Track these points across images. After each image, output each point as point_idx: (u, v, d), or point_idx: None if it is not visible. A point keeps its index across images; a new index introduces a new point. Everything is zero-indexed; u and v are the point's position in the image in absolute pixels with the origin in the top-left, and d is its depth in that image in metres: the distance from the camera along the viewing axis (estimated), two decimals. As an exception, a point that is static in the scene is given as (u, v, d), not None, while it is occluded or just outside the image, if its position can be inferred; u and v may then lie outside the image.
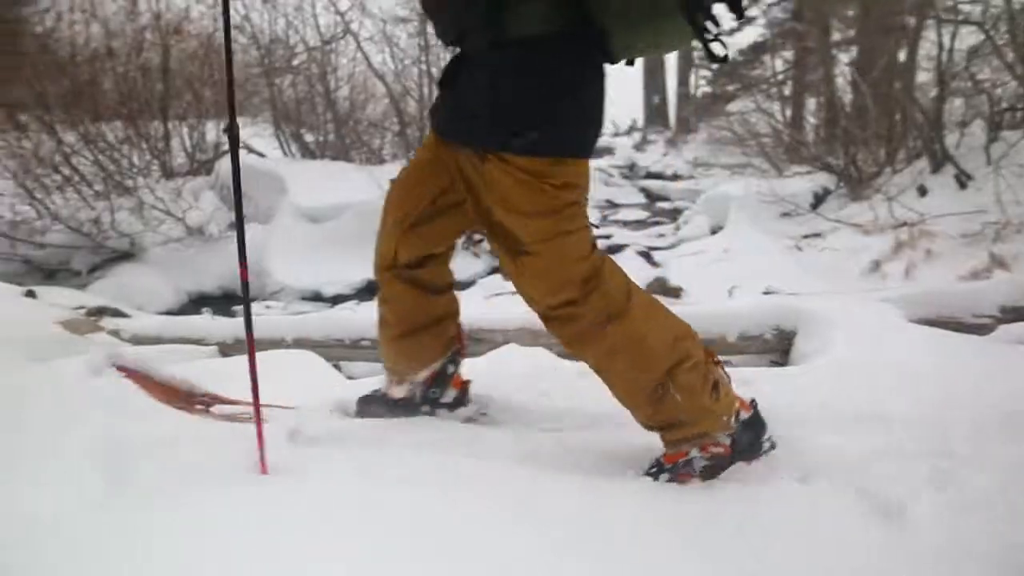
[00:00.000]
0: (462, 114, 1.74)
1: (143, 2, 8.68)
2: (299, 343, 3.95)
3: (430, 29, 8.23)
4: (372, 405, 2.27)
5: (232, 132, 1.66)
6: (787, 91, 12.46)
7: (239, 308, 6.33)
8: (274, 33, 9.84)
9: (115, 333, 4.21)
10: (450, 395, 2.25)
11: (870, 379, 2.59)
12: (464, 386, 2.29)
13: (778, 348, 3.58)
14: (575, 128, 1.70)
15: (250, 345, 1.78)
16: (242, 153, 7.82)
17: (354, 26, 9.28)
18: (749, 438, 1.84)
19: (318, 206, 7.30)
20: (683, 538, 1.54)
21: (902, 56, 8.25)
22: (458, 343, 2.22)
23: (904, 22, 8.06)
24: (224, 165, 7.98)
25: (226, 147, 8.50)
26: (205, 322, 4.44)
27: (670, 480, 1.79)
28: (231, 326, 4.19)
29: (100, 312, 5.12)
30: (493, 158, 1.67)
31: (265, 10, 9.85)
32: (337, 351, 3.94)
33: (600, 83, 1.72)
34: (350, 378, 3.49)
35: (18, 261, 6.88)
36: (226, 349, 4.04)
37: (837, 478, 1.81)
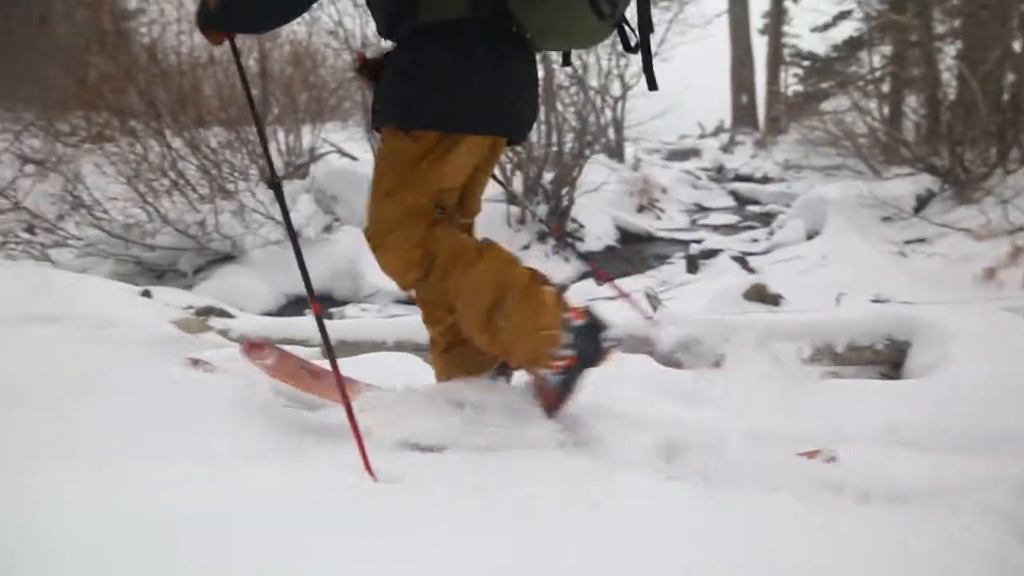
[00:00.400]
0: (375, 102, 1.88)
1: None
2: (400, 346, 4.02)
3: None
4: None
5: (275, 181, 1.81)
6: (885, 88, 12.01)
7: (336, 310, 6.55)
8: (365, 37, 10.04)
9: (224, 333, 4.37)
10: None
11: (993, 396, 2.47)
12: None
13: (889, 360, 3.45)
14: (459, 103, 1.77)
15: (335, 369, 1.81)
16: (335, 156, 8.01)
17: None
18: (590, 344, 1.82)
19: (412, 208, 7.41)
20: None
21: (1017, 47, 7.84)
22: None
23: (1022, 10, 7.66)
24: (319, 169, 8.20)
25: (321, 150, 8.79)
26: (309, 323, 4.56)
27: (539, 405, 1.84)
28: (334, 328, 4.29)
29: (207, 312, 5.33)
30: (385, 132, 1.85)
31: (357, 14, 10.07)
32: (437, 353, 4.00)
33: (506, 64, 1.79)
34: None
35: (131, 262, 7.23)
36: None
37: (971, 501, 1.73)
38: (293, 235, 1.87)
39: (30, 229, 8.32)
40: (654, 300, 4.02)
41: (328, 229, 7.55)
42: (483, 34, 1.75)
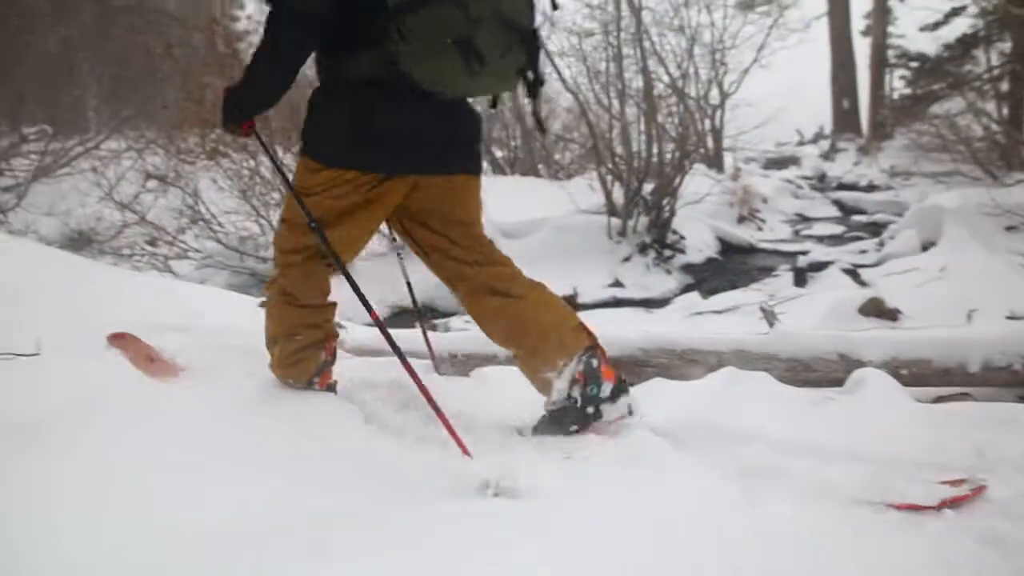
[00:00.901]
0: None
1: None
2: (512, 360, 4.05)
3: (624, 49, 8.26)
4: (544, 425, 2.35)
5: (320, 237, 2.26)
6: (1004, 87, 11.40)
7: (440, 322, 6.64)
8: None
9: (339, 344, 4.49)
10: (607, 389, 2.25)
11: None
12: (617, 375, 2.29)
13: (1030, 381, 3.27)
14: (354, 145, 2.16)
15: (422, 388, 1.85)
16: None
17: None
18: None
19: (515, 221, 7.48)
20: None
21: None
22: (590, 339, 2.31)
23: None
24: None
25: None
26: (420, 335, 4.64)
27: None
28: (446, 341, 4.35)
29: (320, 323, 5.50)
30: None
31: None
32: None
33: (397, 114, 2.13)
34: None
35: (246, 273, 7.54)
36: (440, 363, 4.20)
37: None
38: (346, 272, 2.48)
39: (152, 242, 8.80)
40: (770, 315, 3.91)
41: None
42: (383, 91, 2.10)
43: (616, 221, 8.16)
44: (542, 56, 2.26)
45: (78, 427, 1.94)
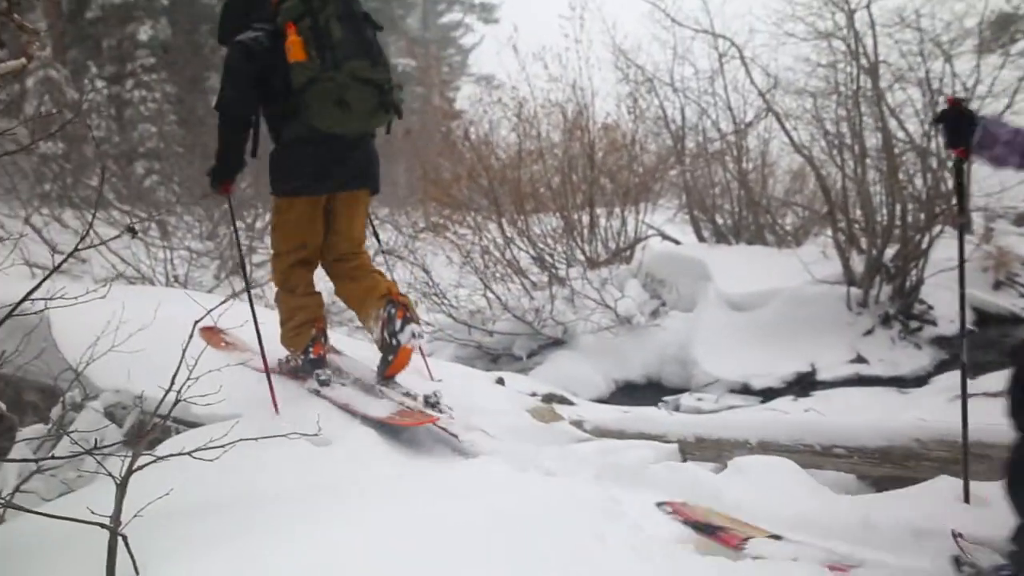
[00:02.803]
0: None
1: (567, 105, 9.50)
2: (764, 446, 3.74)
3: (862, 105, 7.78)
4: (379, 363, 3.60)
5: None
6: None
7: (670, 399, 6.41)
8: (689, 121, 10.12)
9: (577, 424, 4.38)
10: (399, 324, 3.42)
11: None
12: (405, 314, 3.46)
13: None
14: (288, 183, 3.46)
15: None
16: (657, 240, 8.01)
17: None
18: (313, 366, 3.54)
19: (744, 293, 7.14)
20: None
21: None
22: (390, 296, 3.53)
23: None
24: (647, 254, 8.25)
25: (646, 234, 8.86)
26: (663, 416, 4.45)
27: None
28: (691, 423, 4.13)
29: (550, 399, 5.45)
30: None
31: (677, 98, 10.19)
32: (806, 457, 3.66)
33: (318, 153, 3.38)
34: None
35: (472, 346, 7.73)
36: (687, 448, 3.97)
37: None
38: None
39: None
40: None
41: (655, 314, 7.51)
42: (307, 144, 3.37)
43: (855, 291, 7.54)
44: (399, 99, 3.54)
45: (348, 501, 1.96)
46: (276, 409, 3.13)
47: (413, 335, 3.40)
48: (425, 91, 25.58)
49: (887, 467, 3.36)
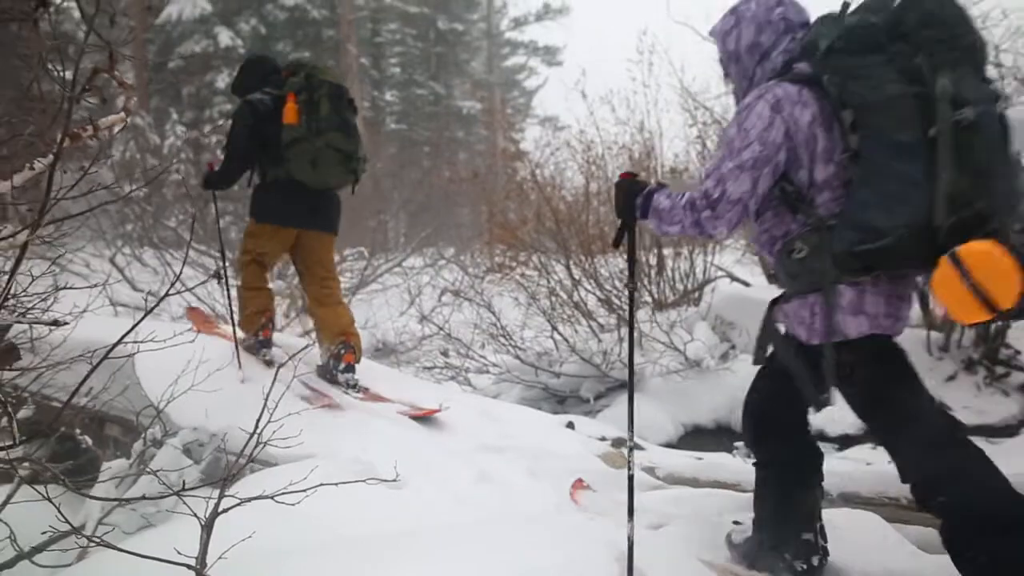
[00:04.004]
0: None
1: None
2: (845, 498, 3.60)
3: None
4: (320, 369, 4.57)
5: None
6: None
7: (742, 444, 6.23)
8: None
9: (650, 471, 4.30)
10: (342, 366, 4.40)
11: None
12: (349, 363, 4.47)
13: None
14: (264, 212, 4.42)
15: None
16: (726, 282, 7.84)
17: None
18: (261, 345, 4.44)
19: (818, 337, 6.95)
20: None
21: None
22: (346, 338, 4.54)
23: None
24: (715, 296, 8.12)
25: (715, 276, 8.73)
26: (738, 464, 4.33)
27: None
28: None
29: (619, 443, 5.37)
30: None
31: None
32: (890, 511, 3.50)
33: (293, 193, 4.31)
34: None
35: (539, 388, 7.69)
36: (763, 499, 3.83)
37: None
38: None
39: (445, 352, 9.35)
40: None
41: (725, 357, 7.36)
42: (285, 185, 4.27)
43: (935, 335, 7.28)
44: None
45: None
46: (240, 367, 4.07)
47: (347, 383, 4.36)
48: (490, 134, 25.98)
49: (980, 524, 3.18)
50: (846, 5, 2.13)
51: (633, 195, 2.32)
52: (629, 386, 2.55)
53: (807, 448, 2.55)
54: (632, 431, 2.40)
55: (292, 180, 4.18)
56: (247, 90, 4.31)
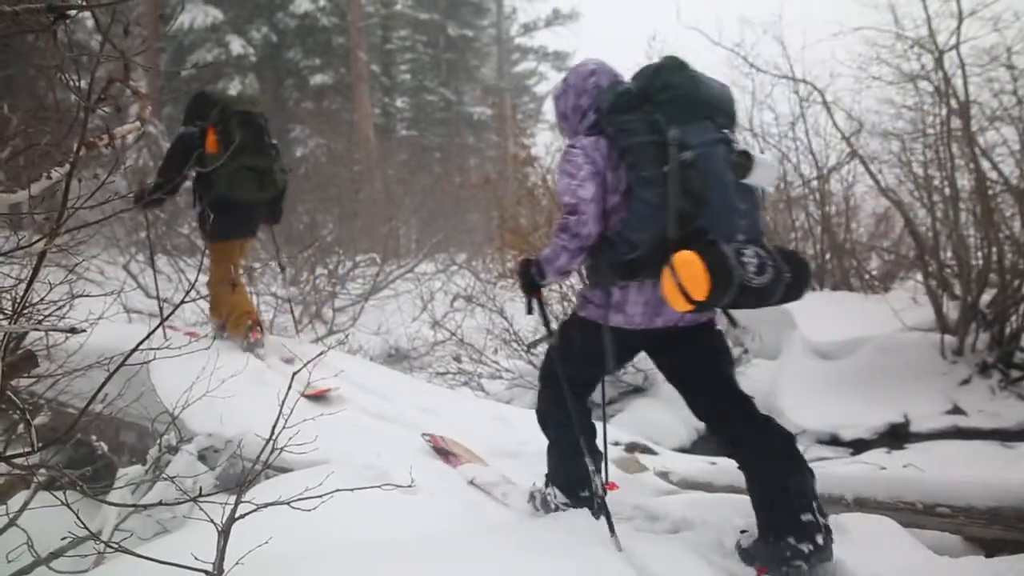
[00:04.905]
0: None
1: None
2: (860, 503, 3.57)
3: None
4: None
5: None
6: None
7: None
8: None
9: (663, 475, 4.29)
10: (251, 337, 5.06)
11: None
12: (257, 335, 5.14)
13: None
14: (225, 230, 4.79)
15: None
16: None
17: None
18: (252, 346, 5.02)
19: (831, 341, 6.92)
20: None
21: None
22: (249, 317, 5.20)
23: None
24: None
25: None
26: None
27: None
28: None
29: (632, 448, 5.35)
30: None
31: (756, 143, 10.07)
32: (906, 516, 3.47)
33: (234, 208, 4.80)
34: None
35: (551, 393, 7.66)
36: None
37: None
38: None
39: (458, 358, 9.34)
40: None
41: (738, 362, 7.32)
42: (223, 204, 4.64)
43: (949, 338, 7.23)
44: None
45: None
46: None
47: (255, 353, 4.98)
48: (500, 139, 26.02)
49: (997, 529, 3.16)
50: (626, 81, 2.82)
51: (527, 269, 2.88)
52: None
53: (764, 434, 2.75)
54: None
55: (226, 198, 4.74)
56: (185, 124, 5.00)
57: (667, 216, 2.46)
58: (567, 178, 2.61)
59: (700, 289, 2.33)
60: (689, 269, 2.35)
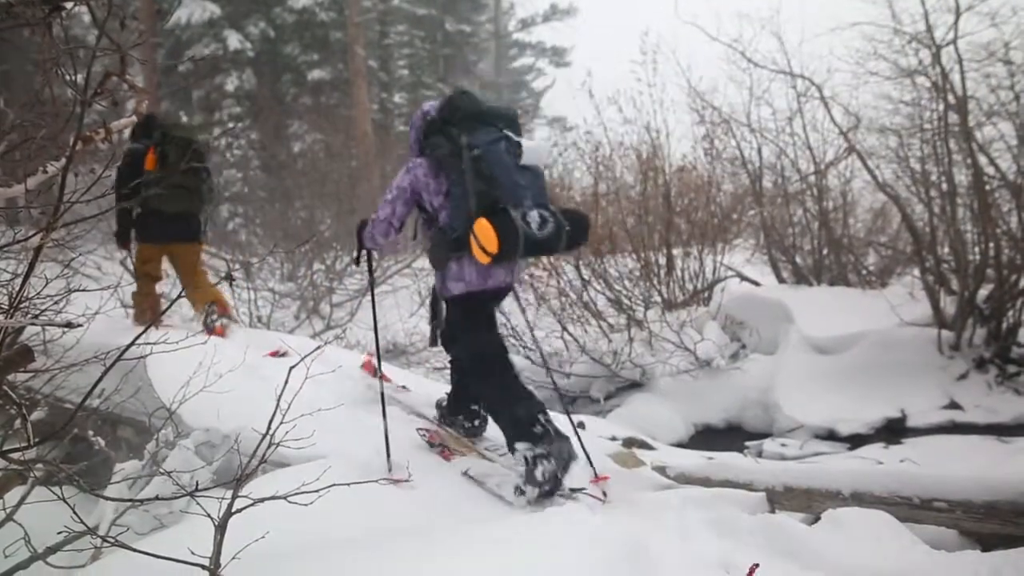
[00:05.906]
0: None
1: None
2: (857, 498, 3.58)
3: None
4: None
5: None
6: None
7: (753, 444, 6.23)
8: (766, 160, 9.97)
9: (660, 470, 4.29)
10: (215, 315, 5.59)
11: None
12: (224, 313, 5.65)
13: None
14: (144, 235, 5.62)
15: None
16: (736, 281, 7.84)
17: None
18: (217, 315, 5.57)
19: (828, 336, 6.93)
20: None
21: None
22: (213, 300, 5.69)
23: None
24: (725, 296, 8.10)
25: (725, 276, 8.70)
26: (749, 464, 4.31)
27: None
28: (779, 471, 3.98)
29: (630, 443, 5.36)
30: None
31: (754, 138, 10.06)
32: (902, 511, 3.48)
33: (153, 218, 5.52)
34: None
35: (549, 388, 7.66)
36: (775, 498, 3.83)
37: None
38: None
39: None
40: None
41: (735, 357, 7.34)
42: (152, 213, 5.48)
43: (946, 333, 7.24)
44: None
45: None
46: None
47: (218, 318, 5.54)
48: (498, 134, 25.88)
49: (994, 523, 3.17)
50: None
51: (362, 228, 3.75)
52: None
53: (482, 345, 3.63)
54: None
55: (155, 209, 5.47)
56: (134, 140, 5.47)
57: (471, 198, 3.28)
58: (388, 193, 3.56)
59: (492, 244, 3.13)
60: (483, 231, 3.16)
